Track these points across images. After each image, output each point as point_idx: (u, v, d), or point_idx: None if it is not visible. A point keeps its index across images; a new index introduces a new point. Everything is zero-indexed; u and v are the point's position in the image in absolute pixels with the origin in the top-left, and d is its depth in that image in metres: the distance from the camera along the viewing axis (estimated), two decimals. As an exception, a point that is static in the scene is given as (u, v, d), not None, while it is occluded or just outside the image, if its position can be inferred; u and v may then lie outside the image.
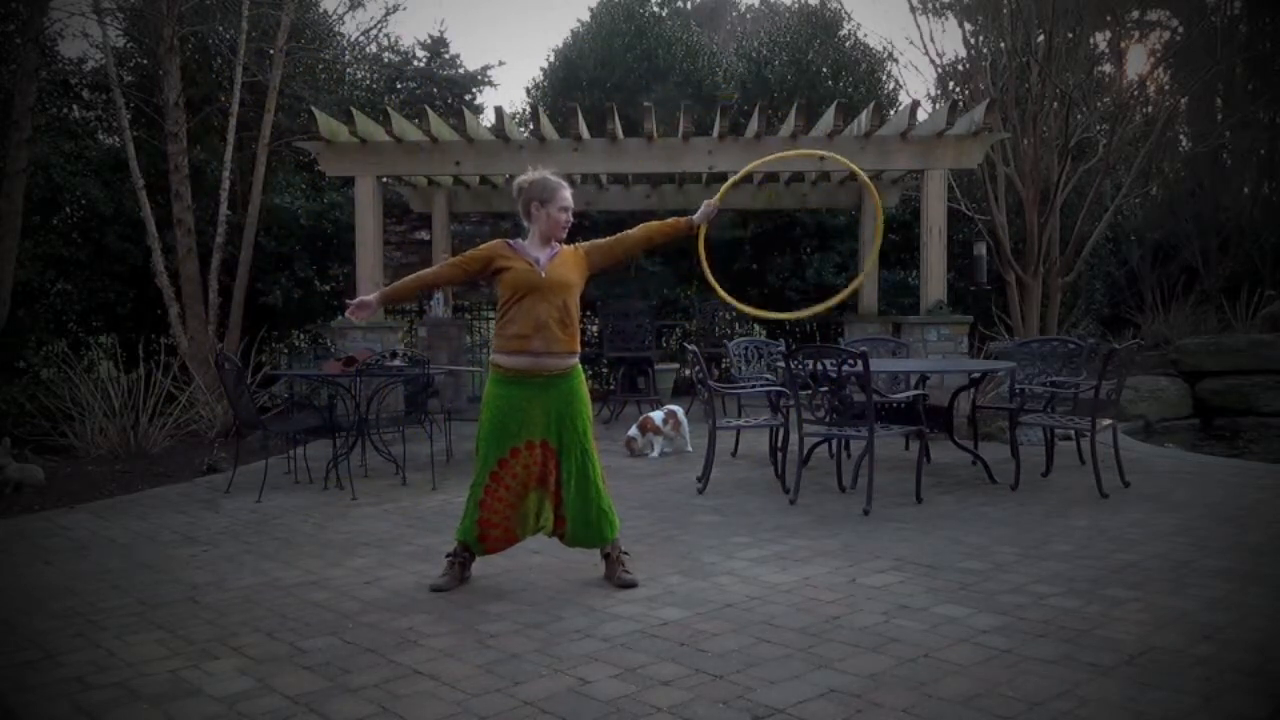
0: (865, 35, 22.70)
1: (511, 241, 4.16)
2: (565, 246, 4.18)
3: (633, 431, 7.69)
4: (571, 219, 4.17)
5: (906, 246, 12.08)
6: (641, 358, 10.36)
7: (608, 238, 4.31)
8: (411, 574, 4.34)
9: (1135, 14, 18.24)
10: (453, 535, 4.25)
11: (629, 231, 4.31)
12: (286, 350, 12.31)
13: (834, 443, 6.40)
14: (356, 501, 6.01)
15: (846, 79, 13.74)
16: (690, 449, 7.68)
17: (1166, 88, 13.77)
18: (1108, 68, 13.99)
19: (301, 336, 12.60)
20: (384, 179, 9.62)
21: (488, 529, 4.07)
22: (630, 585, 4.04)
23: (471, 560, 4.19)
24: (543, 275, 3.98)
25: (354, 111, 8.81)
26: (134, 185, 9.54)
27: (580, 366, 4.13)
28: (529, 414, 3.99)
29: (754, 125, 8.86)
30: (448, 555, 4.21)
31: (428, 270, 4.42)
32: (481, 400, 4.14)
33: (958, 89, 12.85)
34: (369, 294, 4.29)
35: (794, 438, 6.03)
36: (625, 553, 4.25)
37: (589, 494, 4.06)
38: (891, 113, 10.70)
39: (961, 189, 10.96)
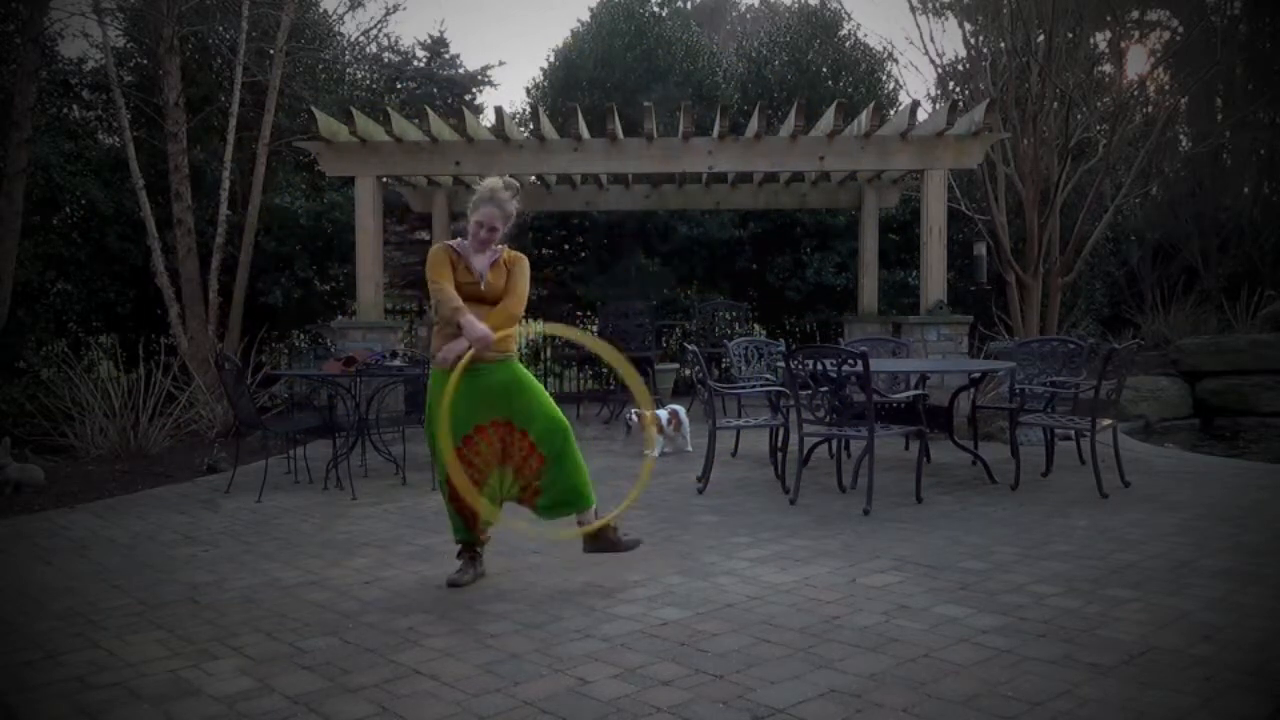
0: (865, 35, 22.67)
1: (454, 244, 4.17)
2: (507, 252, 4.22)
3: (653, 412, 7.59)
4: (492, 232, 4.10)
5: (906, 246, 12.07)
6: (641, 358, 10.36)
7: (519, 285, 4.17)
8: (411, 574, 4.34)
9: (1135, 14, 18.26)
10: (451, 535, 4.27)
11: (518, 295, 4.16)
12: (286, 350, 12.31)
13: (834, 443, 6.40)
14: (356, 501, 6.01)
15: (846, 79, 13.74)
16: (690, 449, 7.68)
17: (1166, 88, 13.77)
18: (1108, 68, 14.00)
19: (301, 336, 12.60)
20: (384, 179, 9.61)
21: (466, 514, 4.12)
22: (634, 545, 4.26)
23: (480, 552, 4.24)
24: (482, 288, 4.10)
25: (354, 111, 8.80)
26: (134, 185, 9.54)
27: (516, 357, 4.21)
28: (472, 401, 4.03)
29: (754, 125, 8.86)
30: (459, 554, 4.24)
31: (455, 298, 4.09)
32: (426, 399, 4.17)
33: (958, 89, 12.85)
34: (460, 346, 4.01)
35: (794, 438, 6.03)
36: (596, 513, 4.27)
37: (567, 464, 4.10)
38: (891, 113, 10.70)
39: (961, 189, 10.95)
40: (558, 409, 4.17)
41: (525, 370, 4.23)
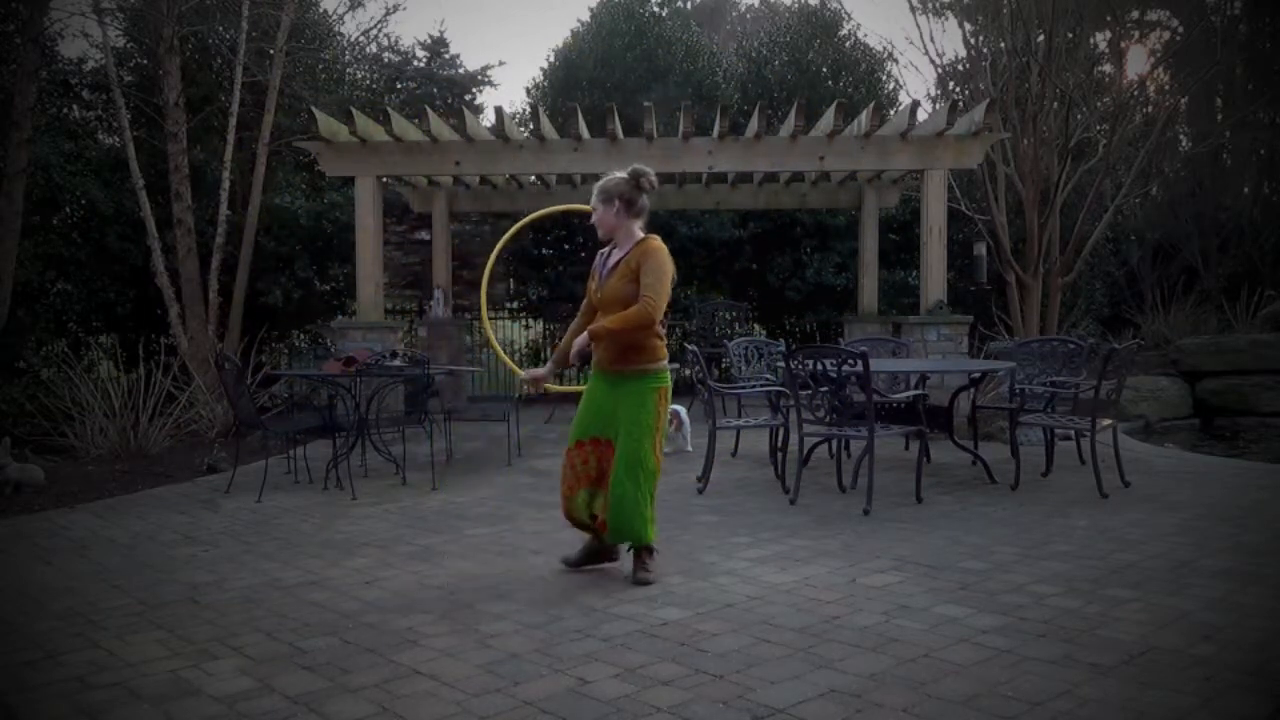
0: (865, 35, 22.68)
1: (603, 251, 4.25)
2: (639, 247, 4.01)
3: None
4: (598, 221, 4.14)
5: (906, 246, 12.08)
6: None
7: (650, 282, 3.98)
8: (411, 574, 4.34)
9: (1135, 14, 18.25)
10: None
11: (647, 292, 4.00)
12: (286, 350, 12.32)
13: (834, 443, 6.40)
14: (356, 501, 6.01)
15: (846, 79, 13.74)
16: (690, 449, 7.68)
17: (1166, 88, 13.77)
18: (1108, 68, 13.99)
19: (301, 336, 12.61)
20: (384, 179, 9.61)
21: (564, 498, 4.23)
22: (644, 583, 4.09)
23: (601, 543, 4.29)
24: (598, 296, 4.12)
25: (354, 111, 8.80)
26: (134, 185, 9.54)
27: (662, 373, 4.16)
28: (605, 408, 4.12)
29: (754, 125, 8.86)
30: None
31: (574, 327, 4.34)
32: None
33: (958, 89, 12.85)
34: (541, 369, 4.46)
35: (794, 438, 6.03)
36: (652, 551, 4.22)
37: (632, 493, 4.03)
38: (891, 113, 10.70)
39: (961, 189, 10.95)
40: (651, 445, 4.05)
41: (652, 395, 4.08)
